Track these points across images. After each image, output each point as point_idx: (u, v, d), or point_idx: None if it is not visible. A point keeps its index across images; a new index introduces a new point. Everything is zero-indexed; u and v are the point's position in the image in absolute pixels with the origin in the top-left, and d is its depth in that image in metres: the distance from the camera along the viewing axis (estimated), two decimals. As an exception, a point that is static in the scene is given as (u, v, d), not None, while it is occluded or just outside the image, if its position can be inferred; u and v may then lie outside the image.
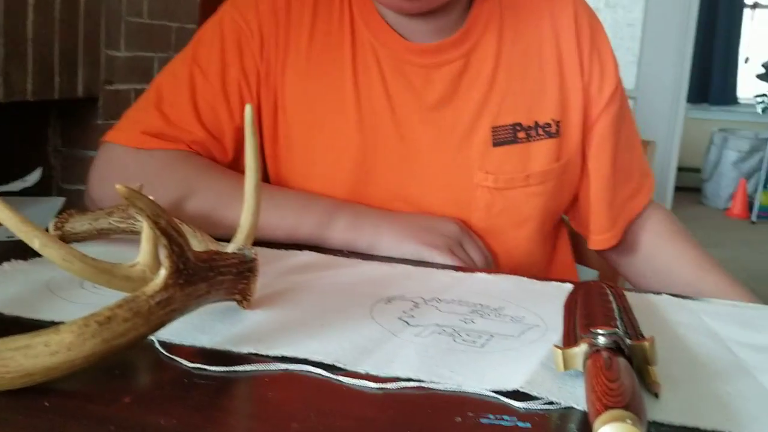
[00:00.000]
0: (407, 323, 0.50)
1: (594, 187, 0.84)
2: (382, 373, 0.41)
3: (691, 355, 0.47)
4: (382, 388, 0.39)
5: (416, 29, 0.80)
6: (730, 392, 0.41)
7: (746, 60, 5.83)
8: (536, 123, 0.80)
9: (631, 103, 1.81)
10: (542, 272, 0.85)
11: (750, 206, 5.09)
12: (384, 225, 0.74)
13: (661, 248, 0.85)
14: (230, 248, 0.52)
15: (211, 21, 0.84)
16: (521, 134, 0.80)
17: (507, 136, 0.80)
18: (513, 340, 0.48)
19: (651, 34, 1.67)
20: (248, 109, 0.51)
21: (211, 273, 0.43)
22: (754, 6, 5.85)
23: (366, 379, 0.40)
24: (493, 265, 0.79)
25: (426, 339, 0.47)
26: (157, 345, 0.43)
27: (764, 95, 5.26)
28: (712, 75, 5.80)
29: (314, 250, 0.71)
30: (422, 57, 0.80)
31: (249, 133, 0.52)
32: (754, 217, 5.01)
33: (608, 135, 0.83)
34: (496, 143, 0.80)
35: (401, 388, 0.39)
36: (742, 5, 5.79)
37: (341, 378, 0.40)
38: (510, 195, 0.80)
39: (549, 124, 0.81)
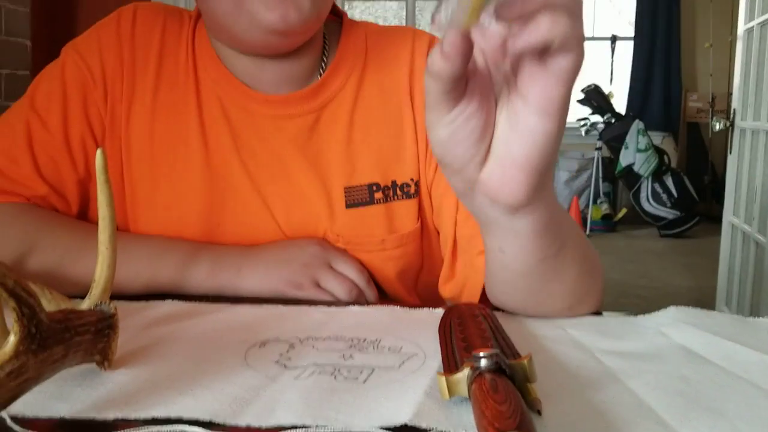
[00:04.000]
0: (285, 366, 0.49)
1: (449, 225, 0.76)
2: (265, 424, 0.39)
3: (563, 367, 0.49)
4: (267, 439, 0.37)
5: (265, 78, 0.76)
6: (604, 400, 0.43)
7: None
8: (394, 183, 0.76)
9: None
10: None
11: (584, 221, 5.53)
12: (246, 265, 0.71)
13: None
14: (85, 305, 0.48)
15: (51, 66, 0.77)
16: (378, 195, 0.76)
17: (362, 197, 0.75)
18: (395, 372, 0.48)
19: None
20: (99, 155, 0.48)
21: (67, 334, 0.39)
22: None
23: (249, 432, 0.38)
24: (364, 274, 0.74)
25: (306, 381, 0.46)
26: (9, 421, 0.38)
27: (586, 119, 5.77)
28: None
29: (178, 298, 0.67)
30: (269, 107, 0.75)
31: (101, 180, 0.48)
32: (587, 231, 5.44)
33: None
34: (350, 204, 0.75)
35: (288, 436, 0.38)
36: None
37: (222, 434, 0.38)
38: (364, 257, 0.76)
39: (408, 185, 0.77)
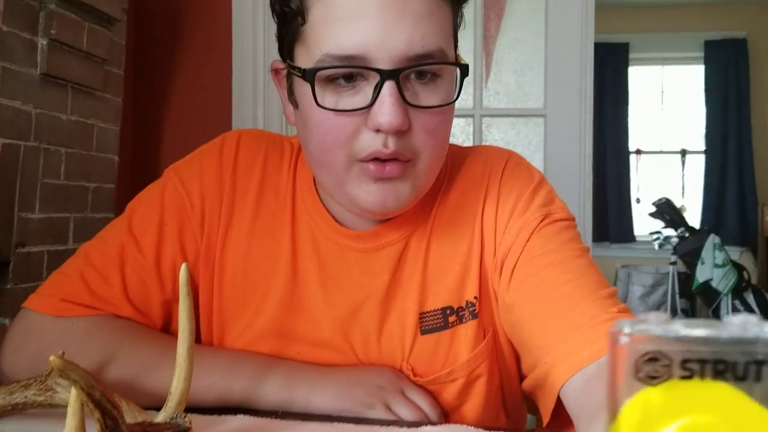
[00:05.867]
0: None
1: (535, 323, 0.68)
2: None
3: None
4: None
5: (357, 218, 0.75)
6: None
7: (638, 201, 6.34)
8: (468, 302, 0.74)
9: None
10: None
11: (662, 339, 5.27)
12: (320, 382, 0.70)
13: None
14: (161, 417, 0.48)
15: (152, 187, 0.80)
16: (452, 318, 0.73)
17: (437, 322, 0.73)
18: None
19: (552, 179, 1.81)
20: (183, 269, 0.50)
21: (145, 448, 0.40)
22: (638, 152, 6.43)
23: None
24: (437, 409, 0.72)
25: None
26: None
27: (659, 232, 5.65)
28: (608, 216, 6.23)
29: (249, 413, 0.67)
30: (359, 242, 0.75)
31: (183, 293, 0.50)
32: (667, 350, 5.18)
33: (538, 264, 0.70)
34: (425, 330, 0.73)
35: None
36: (628, 152, 6.37)
37: None
38: (438, 389, 0.74)
39: (473, 303, 0.74)
